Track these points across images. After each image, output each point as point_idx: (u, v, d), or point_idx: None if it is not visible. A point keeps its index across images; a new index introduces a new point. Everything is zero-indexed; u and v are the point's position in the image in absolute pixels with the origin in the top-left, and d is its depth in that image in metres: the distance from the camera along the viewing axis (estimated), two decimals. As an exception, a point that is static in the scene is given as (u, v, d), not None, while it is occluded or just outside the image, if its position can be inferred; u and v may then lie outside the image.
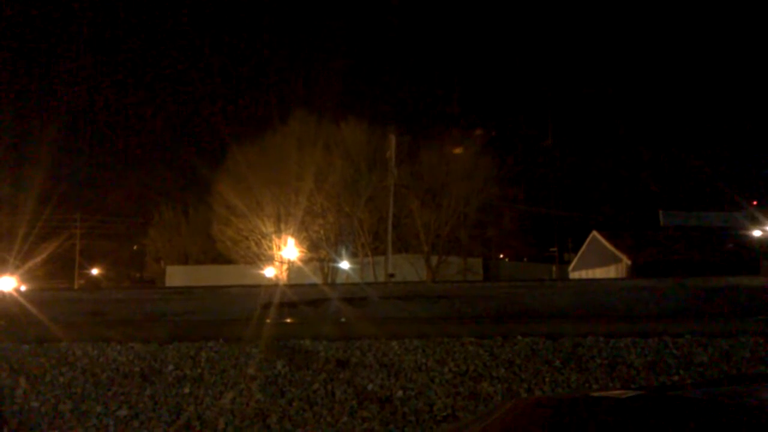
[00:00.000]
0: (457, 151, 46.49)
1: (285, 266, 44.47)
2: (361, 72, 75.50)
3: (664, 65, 69.83)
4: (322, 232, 44.77)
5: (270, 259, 45.81)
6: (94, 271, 69.19)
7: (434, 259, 45.25)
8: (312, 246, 44.91)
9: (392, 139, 36.63)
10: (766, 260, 26.29)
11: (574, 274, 44.29)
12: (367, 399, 7.22)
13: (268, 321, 10.10)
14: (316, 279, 41.19)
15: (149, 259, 66.17)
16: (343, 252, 44.57)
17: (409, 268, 42.97)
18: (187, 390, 7.47)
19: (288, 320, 11.03)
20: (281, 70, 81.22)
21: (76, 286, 56.27)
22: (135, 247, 72.04)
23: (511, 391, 7.32)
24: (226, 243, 48.61)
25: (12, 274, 39.14)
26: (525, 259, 58.07)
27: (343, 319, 10.59)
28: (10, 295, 15.70)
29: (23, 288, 33.10)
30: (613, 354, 7.83)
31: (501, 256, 56.80)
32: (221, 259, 52.51)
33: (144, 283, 60.05)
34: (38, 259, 44.63)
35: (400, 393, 7.29)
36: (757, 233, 27.50)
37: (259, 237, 45.83)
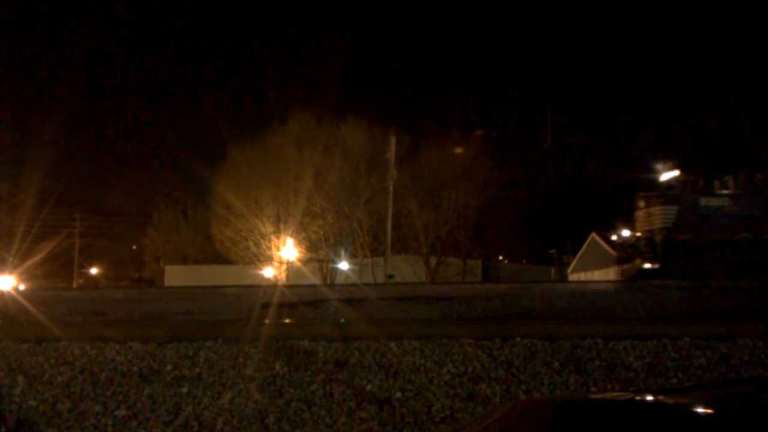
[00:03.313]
0: (457, 152, 46.51)
1: (284, 267, 44.43)
2: (361, 73, 75.60)
3: (662, 65, 69.98)
4: (321, 232, 44.74)
5: (269, 260, 45.78)
6: (93, 271, 69.08)
7: (433, 261, 45.25)
8: (311, 246, 44.88)
9: (392, 140, 36.66)
10: (624, 263, 26.10)
11: (573, 276, 44.27)
12: (366, 400, 7.22)
13: (266, 321, 10.10)
14: (315, 280, 41.14)
15: (148, 258, 66.10)
16: (342, 253, 44.54)
17: (408, 269, 42.96)
18: (185, 390, 7.47)
19: (287, 321, 11.04)
20: (281, 71, 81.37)
21: (74, 286, 56.21)
22: (134, 247, 71.93)
23: (509, 392, 7.32)
24: (225, 243, 48.61)
25: (11, 273, 39.08)
26: (524, 261, 58.03)
27: (342, 320, 10.60)
28: (9, 294, 15.70)
29: (22, 287, 33.07)
30: (612, 356, 7.84)
31: (500, 257, 56.79)
32: (220, 259, 52.49)
33: (143, 283, 59.97)
34: (37, 258, 44.51)
35: (398, 394, 7.29)
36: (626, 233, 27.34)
37: (258, 237, 45.80)
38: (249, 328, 8.66)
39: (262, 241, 45.85)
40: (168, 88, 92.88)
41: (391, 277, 33.86)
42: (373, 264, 43.76)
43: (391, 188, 36.59)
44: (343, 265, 44.02)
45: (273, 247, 45.30)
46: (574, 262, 46.89)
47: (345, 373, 7.60)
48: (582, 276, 41.89)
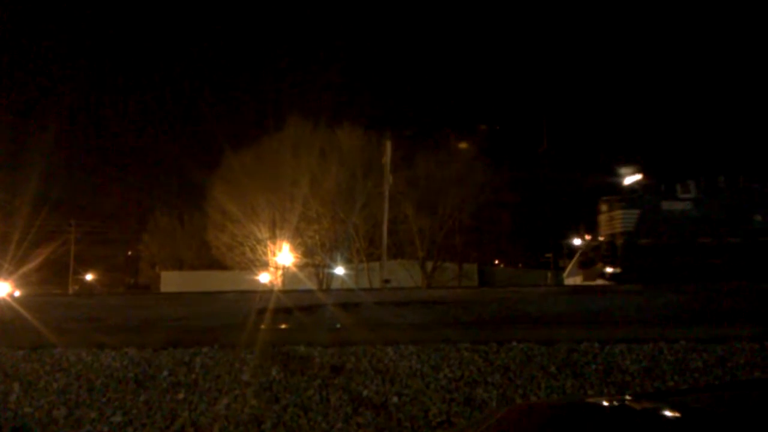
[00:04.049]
0: (453, 157, 46.58)
1: (280, 272, 44.40)
2: (357, 78, 75.68)
3: (659, 68, 70.26)
4: (317, 237, 44.75)
5: (265, 265, 45.76)
6: (89, 277, 68.96)
7: (429, 265, 45.25)
8: (307, 252, 44.89)
9: (387, 145, 36.67)
10: (586, 267, 26.15)
11: (569, 281, 44.20)
12: (362, 405, 7.21)
13: (262, 327, 10.08)
14: (311, 285, 41.11)
15: (144, 264, 66.10)
16: (338, 258, 44.54)
17: (404, 274, 42.94)
18: (181, 396, 7.45)
19: (283, 326, 11.02)
20: (277, 76, 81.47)
21: (70, 292, 56.06)
22: (130, 253, 71.87)
23: (506, 397, 7.32)
24: (221, 249, 48.57)
25: (6, 279, 38.98)
26: (520, 265, 58.09)
27: (338, 325, 10.57)
28: (4, 300, 15.65)
29: (17, 293, 32.98)
30: (608, 360, 7.84)
31: (496, 262, 56.83)
32: (216, 264, 52.45)
33: (138, 289, 59.85)
34: (32, 265, 44.45)
35: (395, 399, 7.28)
36: (577, 241, 27.53)
37: (254, 243, 45.78)
38: (245, 334, 8.65)
39: (258, 247, 45.83)
40: (164, 93, 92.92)
41: (387, 281, 33.82)
42: (369, 269, 43.79)
43: (387, 193, 36.59)
44: (339, 270, 44.01)
45: (269, 252, 45.29)
46: (569, 267, 46.85)
47: (341, 379, 7.59)
48: (578, 280, 41.80)
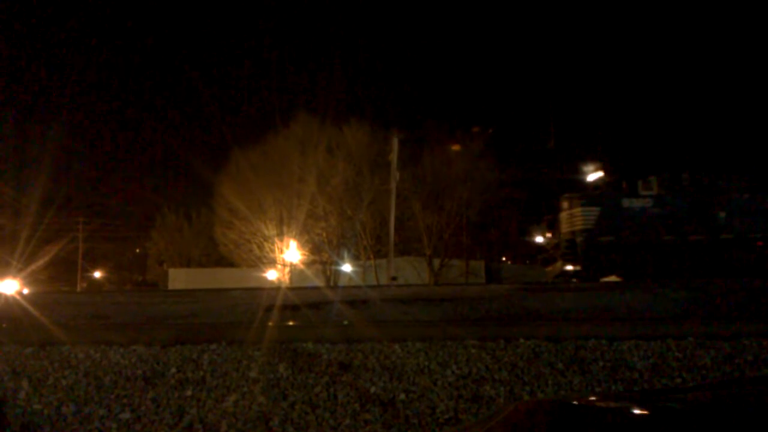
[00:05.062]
0: (459, 153, 46.52)
1: (287, 269, 44.47)
2: (364, 75, 75.71)
3: (665, 64, 70.03)
4: (324, 234, 44.79)
5: (272, 262, 45.84)
6: (97, 274, 69.28)
7: (436, 262, 45.23)
8: (314, 249, 44.95)
9: (394, 142, 36.66)
10: (547, 265, 26.03)
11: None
12: (370, 402, 7.21)
13: (270, 324, 10.10)
14: (319, 282, 41.16)
15: (152, 262, 66.27)
16: (346, 255, 44.57)
17: (411, 271, 42.95)
18: (189, 393, 7.47)
19: (290, 323, 11.04)
20: (284, 74, 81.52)
21: (78, 289, 56.29)
22: (137, 250, 72.18)
23: (513, 394, 7.31)
24: (229, 246, 48.69)
25: (15, 277, 39.13)
26: (527, 262, 57.95)
27: (345, 322, 10.59)
28: (13, 298, 15.73)
29: (26, 291, 33.12)
30: (616, 357, 7.82)
31: (503, 258, 56.72)
32: (224, 262, 52.59)
33: (146, 286, 60.03)
34: (41, 262, 44.64)
35: (402, 396, 7.28)
36: (539, 239, 27.42)
37: (262, 240, 45.88)
38: (253, 331, 8.67)
39: (265, 244, 45.93)
40: (171, 91, 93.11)
41: (394, 279, 33.86)
42: (376, 266, 43.78)
43: (394, 190, 36.59)
44: (347, 267, 44.04)
45: (276, 249, 45.37)
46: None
47: (349, 375, 7.60)
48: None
